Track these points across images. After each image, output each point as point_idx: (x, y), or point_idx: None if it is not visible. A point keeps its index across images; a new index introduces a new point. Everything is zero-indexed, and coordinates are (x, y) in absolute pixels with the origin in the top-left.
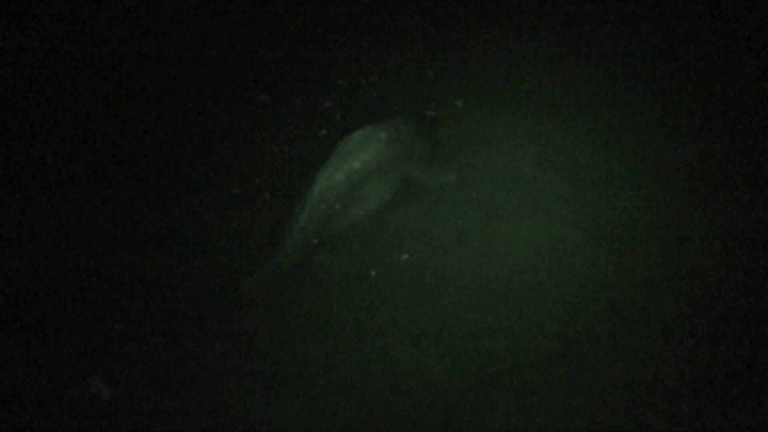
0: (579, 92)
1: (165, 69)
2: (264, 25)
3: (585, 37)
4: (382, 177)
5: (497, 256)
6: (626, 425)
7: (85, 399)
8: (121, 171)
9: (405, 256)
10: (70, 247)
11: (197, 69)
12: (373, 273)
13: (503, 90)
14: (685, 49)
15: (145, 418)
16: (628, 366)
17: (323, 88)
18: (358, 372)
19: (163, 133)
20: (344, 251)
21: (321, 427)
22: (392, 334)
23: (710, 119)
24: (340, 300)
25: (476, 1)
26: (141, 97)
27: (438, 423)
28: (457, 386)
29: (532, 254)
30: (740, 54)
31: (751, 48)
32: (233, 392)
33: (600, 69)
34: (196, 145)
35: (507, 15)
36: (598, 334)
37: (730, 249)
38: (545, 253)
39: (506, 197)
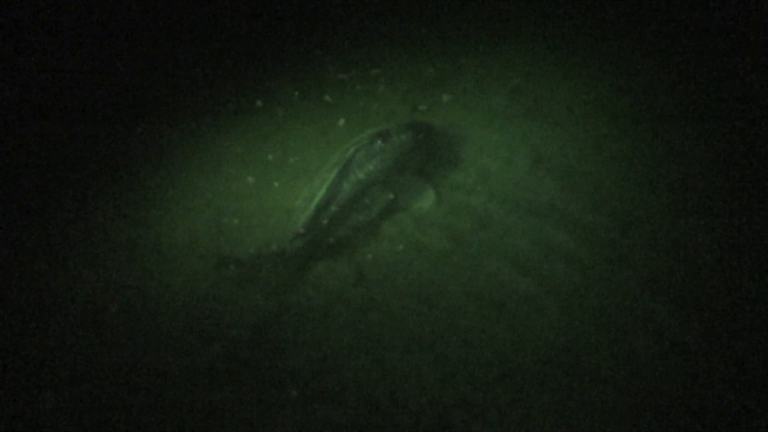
0: (571, 97)
1: (161, 73)
2: (264, 23)
3: (577, 42)
4: (383, 186)
5: (490, 263)
6: (620, 430)
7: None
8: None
9: (398, 262)
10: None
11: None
12: (369, 256)
13: (495, 90)
14: (677, 53)
15: (136, 426)
16: (622, 371)
17: (324, 81)
18: (352, 378)
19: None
20: (340, 257)
21: None
22: (386, 341)
23: (703, 124)
24: (334, 306)
25: (473, 6)
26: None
27: (432, 429)
28: (450, 392)
29: (526, 260)
30: (732, 58)
31: (742, 53)
32: (226, 399)
33: (592, 74)
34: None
35: (501, 19)
36: (592, 340)
37: (724, 254)
38: (539, 259)
39: (500, 203)
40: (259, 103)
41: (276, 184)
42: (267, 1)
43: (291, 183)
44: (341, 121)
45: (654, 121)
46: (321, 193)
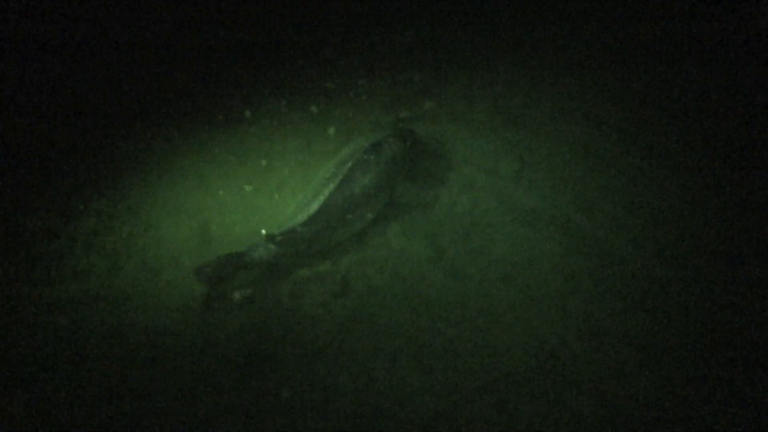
0: (555, 105)
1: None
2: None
3: (561, 51)
4: (375, 198)
5: (475, 272)
6: None
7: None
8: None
9: (383, 272)
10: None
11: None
12: (354, 260)
13: (480, 98)
14: (661, 60)
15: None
16: (606, 380)
17: (311, 90)
18: (337, 390)
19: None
20: (325, 267)
21: None
22: (371, 351)
23: (686, 133)
24: (319, 317)
25: (457, 15)
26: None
27: None
28: (435, 402)
29: (510, 269)
30: (719, 66)
31: (720, 64)
32: (209, 409)
33: (576, 82)
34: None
35: (485, 28)
36: (576, 349)
37: (707, 264)
38: (523, 267)
39: (484, 212)
40: (247, 113)
41: (272, 196)
42: (252, 12)
43: (280, 193)
44: (331, 130)
45: (639, 128)
46: (315, 203)
